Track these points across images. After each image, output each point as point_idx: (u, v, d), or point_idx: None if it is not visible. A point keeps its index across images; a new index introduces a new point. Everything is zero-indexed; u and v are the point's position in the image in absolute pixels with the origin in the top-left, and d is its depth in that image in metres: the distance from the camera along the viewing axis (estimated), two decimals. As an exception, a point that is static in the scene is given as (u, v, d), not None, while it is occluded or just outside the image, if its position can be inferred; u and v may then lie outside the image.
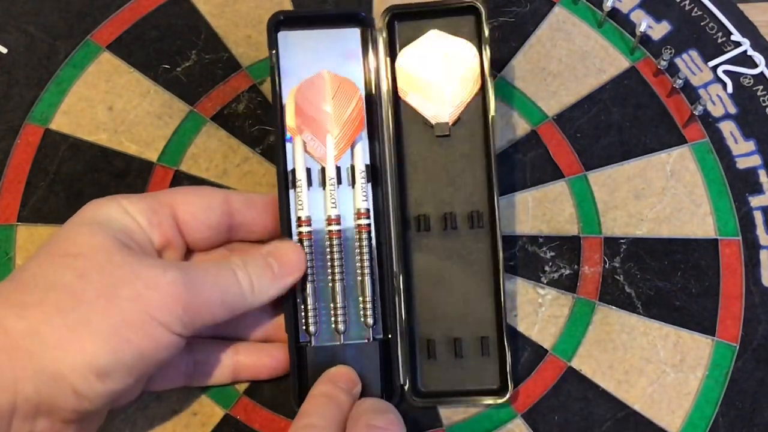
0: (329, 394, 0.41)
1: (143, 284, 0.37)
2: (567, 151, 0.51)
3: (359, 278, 0.44)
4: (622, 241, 0.50)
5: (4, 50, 0.53)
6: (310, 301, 0.44)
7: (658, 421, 0.46)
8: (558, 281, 0.49)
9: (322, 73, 0.45)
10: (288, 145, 0.44)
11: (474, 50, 0.46)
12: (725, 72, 0.53)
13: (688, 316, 0.48)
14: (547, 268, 0.49)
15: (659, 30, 0.54)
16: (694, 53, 0.54)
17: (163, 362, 0.38)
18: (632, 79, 0.53)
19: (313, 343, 0.44)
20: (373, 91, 0.46)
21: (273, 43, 0.44)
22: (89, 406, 0.36)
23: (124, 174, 0.50)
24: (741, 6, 0.55)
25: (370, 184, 0.45)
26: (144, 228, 0.41)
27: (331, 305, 0.44)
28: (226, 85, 0.52)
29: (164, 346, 0.38)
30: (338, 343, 0.44)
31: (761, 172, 0.51)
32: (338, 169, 0.45)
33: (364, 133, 0.45)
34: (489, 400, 0.45)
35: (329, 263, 0.44)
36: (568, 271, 0.49)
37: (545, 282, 0.49)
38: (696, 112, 0.51)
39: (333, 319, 0.44)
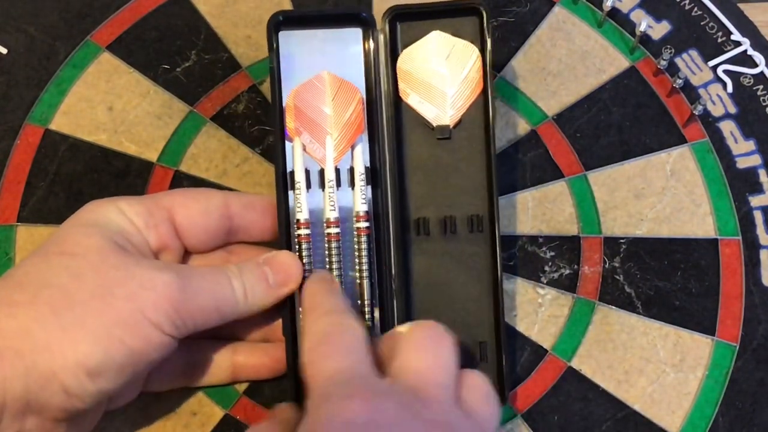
0: (325, 289, 0.42)
1: (138, 284, 0.37)
2: (567, 150, 0.51)
3: (358, 281, 0.44)
4: (622, 240, 0.50)
5: (4, 51, 0.53)
6: (308, 303, 0.44)
7: (658, 421, 0.46)
8: (558, 281, 0.49)
9: (322, 75, 0.45)
10: (287, 147, 0.44)
11: (476, 52, 0.45)
12: (725, 72, 0.53)
13: (688, 316, 0.48)
14: (546, 268, 0.49)
15: (659, 30, 0.54)
16: (694, 53, 0.54)
17: (154, 363, 0.39)
18: (632, 79, 0.53)
19: None
20: (374, 93, 0.45)
21: (273, 44, 0.44)
22: (80, 405, 0.36)
23: (123, 174, 0.50)
24: (741, 6, 0.55)
25: (369, 187, 0.45)
26: (141, 230, 0.41)
27: (330, 308, 0.44)
28: (225, 86, 0.52)
29: (155, 347, 0.38)
30: None
31: (761, 172, 0.51)
32: (338, 171, 0.44)
33: (364, 135, 0.45)
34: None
35: (327, 266, 0.44)
36: (567, 271, 0.49)
37: (545, 282, 0.49)
38: (696, 112, 0.51)
39: (332, 321, 0.44)
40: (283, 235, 0.43)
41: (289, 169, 0.44)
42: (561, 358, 0.47)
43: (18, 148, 0.51)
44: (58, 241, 0.39)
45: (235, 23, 0.54)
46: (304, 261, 0.43)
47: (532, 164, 0.51)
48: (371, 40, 0.45)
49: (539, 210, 0.50)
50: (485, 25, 0.45)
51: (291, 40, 0.45)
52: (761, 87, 0.53)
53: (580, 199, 0.50)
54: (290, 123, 0.44)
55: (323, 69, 0.45)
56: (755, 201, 0.50)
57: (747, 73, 0.53)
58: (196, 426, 0.45)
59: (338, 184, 0.45)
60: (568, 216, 0.50)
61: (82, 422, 0.40)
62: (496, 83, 0.53)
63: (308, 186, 0.44)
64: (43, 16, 0.54)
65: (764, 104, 0.53)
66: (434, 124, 0.46)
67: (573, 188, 0.51)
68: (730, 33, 0.54)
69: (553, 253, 0.49)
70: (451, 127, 0.46)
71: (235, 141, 0.51)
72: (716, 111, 0.52)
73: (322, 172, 0.45)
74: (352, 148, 0.45)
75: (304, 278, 0.43)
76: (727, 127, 0.52)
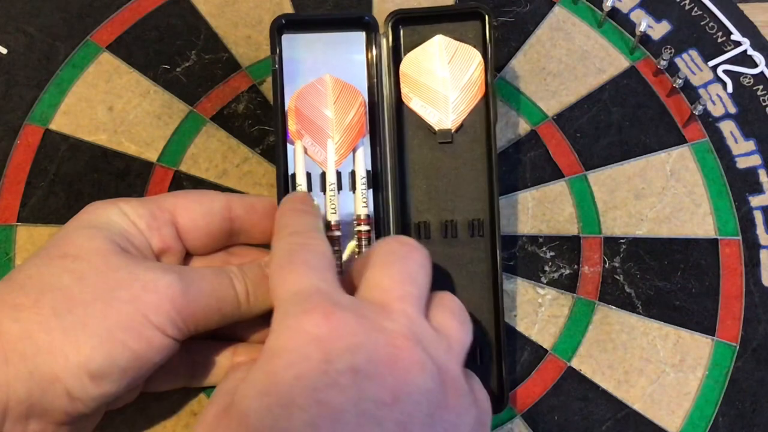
0: (295, 209, 0.41)
1: (140, 286, 0.37)
2: (567, 150, 0.51)
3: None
4: (622, 240, 0.50)
5: (4, 51, 0.53)
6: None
7: (658, 421, 0.46)
8: (558, 281, 0.49)
9: (325, 78, 0.45)
10: (289, 149, 0.44)
11: (479, 57, 0.45)
12: (725, 72, 0.53)
13: (688, 316, 0.48)
14: (546, 268, 0.49)
15: (659, 30, 0.54)
16: (694, 53, 0.54)
17: (156, 365, 0.38)
18: (632, 79, 0.53)
19: None
20: (376, 96, 0.45)
21: (276, 47, 0.44)
22: (82, 408, 0.36)
23: (123, 174, 0.50)
24: (741, 6, 0.55)
25: (371, 190, 0.45)
26: (143, 232, 0.41)
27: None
28: (225, 86, 0.52)
29: (158, 349, 0.38)
30: None
31: (761, 172, 0.51)
32: (339, 174, 0.45)
33: (366, 139, 0.45)
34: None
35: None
36: (567, 271, 0.49)
37: (545, 282, 0.49)
38: (696, 112, 0.51)
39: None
40: None
41: (290, 172, 0.44)
42: (561, 358, 0.47)
43: (18, 148, 0.51)
44: (60, 243, 0.39)
45: (235, 23, 0.54)
46: None
47: (532, 164, 0.51)
48: (374, 44, 0.45)
49: (539, 210, 0.50)
50: (488, 29, 0.45)
51: (293, 43, 0.45)
52: (761, 87, 0.53)
53: (580, 199, 0.50)
54: (292, 125, 0.44)
55: (325, 72, 0.45)
56: (755, 201, 0.51)
57: (747, 73, 0.53)
58: (197, 426, 0.45)
59: (339, 187, 0.45)
60: (568, 216, 0.50)
61: (83, 425, 0.40)
62: (497, 83, 0.53)
63: (309, 189, 0.44)
64: (43, 16, 0.54)
65: (764, 104, 0.53)
66: (436, 128, 0.46)
67: (573, 188, 0.51)
68: (730, 33, 0.54)
69: (553, 253, 0.49)
70: (452, 131, 0.46)
71: (235, 141, 0.51)
72: (716, 111, 0.52)
73: (323, 175, 0.45)
74: (354, 151, 0.45)
75: None
76: (727, 127, 0.52)
